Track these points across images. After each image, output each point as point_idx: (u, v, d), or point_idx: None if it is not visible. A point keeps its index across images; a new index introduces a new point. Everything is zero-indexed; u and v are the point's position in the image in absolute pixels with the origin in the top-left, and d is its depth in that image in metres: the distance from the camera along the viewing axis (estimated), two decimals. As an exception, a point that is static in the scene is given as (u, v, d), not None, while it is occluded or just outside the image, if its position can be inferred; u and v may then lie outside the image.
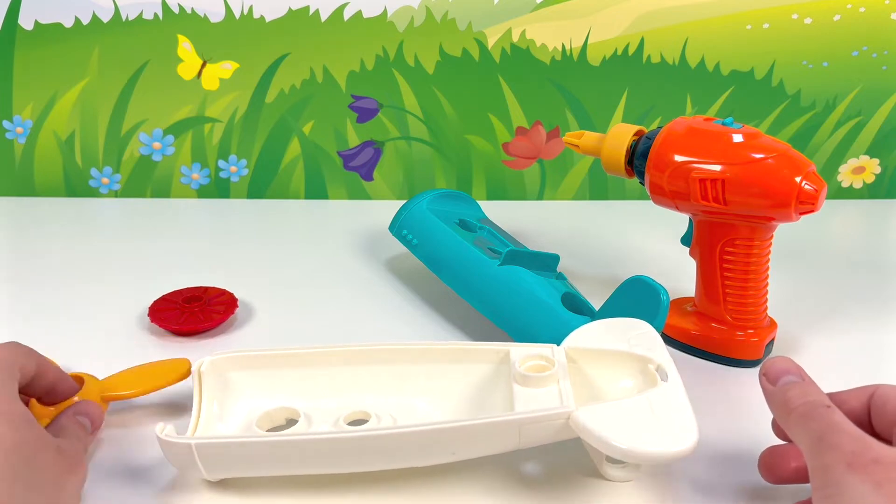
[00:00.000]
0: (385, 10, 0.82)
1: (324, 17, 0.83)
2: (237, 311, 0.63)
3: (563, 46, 0.84)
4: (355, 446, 0.42)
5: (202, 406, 0.47)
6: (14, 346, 0.44)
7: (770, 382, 0.40)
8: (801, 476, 0.41)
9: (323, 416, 0.48)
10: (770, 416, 0.51)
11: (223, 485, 0.44)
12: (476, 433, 0.42)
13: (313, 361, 0.50)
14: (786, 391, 0.38)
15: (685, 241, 0.58)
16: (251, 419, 0.48)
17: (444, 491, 0.44)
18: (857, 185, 0.91)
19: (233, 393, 0.49)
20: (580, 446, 0.42)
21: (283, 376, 0.50)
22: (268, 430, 0.47)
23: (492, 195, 0.90)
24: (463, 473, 0.45)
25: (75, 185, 0.89)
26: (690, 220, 0.57)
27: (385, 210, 0.79)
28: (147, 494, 0.43)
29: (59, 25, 0.83)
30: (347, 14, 0.83)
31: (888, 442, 0.36)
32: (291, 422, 0.48)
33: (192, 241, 0.80)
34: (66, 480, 0.39)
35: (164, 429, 0.42)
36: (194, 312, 0.61)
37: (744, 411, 0.50)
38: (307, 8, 0.82)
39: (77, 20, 0.83)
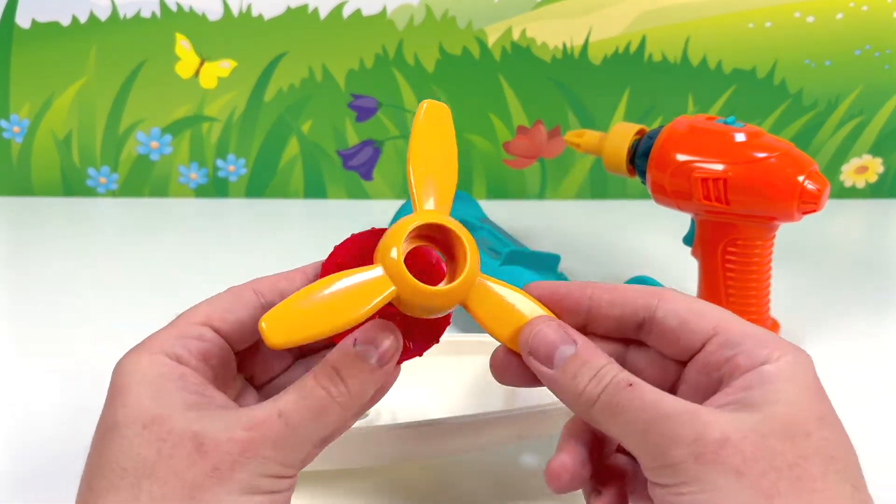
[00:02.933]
0: (384, 8, 0.82)
1: (322, 15, 0.82)
2: None
3: (564, 45, 0.83)
4: (357, 442, 0.42)
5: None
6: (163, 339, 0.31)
7: (544, 364, 0.31)
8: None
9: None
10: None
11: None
12: (477, 428, 0.42)
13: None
14: (573, 377, 0.30)
15: (687, 240, 0.58)
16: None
17: (442, 482, 0.44)
18: (860, 184, 0.90)
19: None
20: None
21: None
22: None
23: (492, 194, 0.90)
24: (461, 465, 0.45)
25: (72, 185, 0.89)
26: (692, 219, 0.56)
27: (385, 209, 0.78)
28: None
29: (56, 24, 0.82)
30: (346, 12, 0.82)
31: (681, 364, 0.32)
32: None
33: (190, 240, 0.79)
34: (202, 492, 0.27)
35: None
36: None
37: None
38: (306, 6, 0.82)
39: (74, 19, 0.82)
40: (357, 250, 0.33)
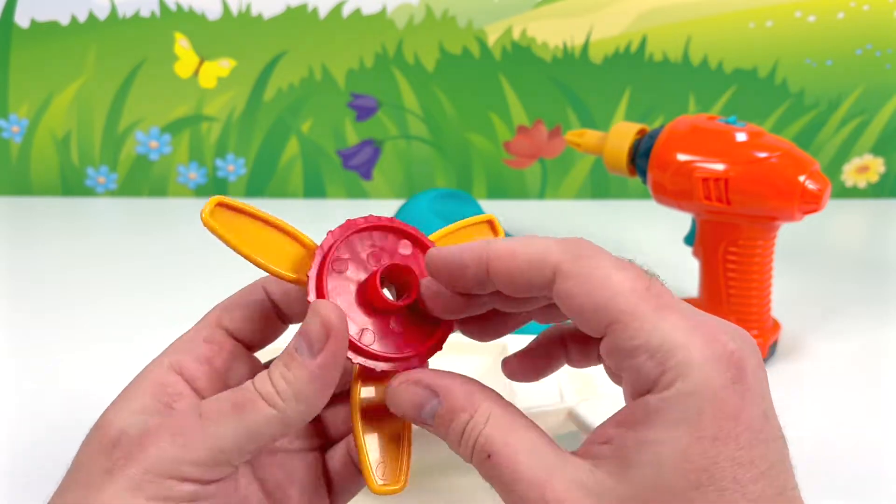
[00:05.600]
0: (384, 7, 0.82)
1: (322, 14, 0.82)
2: None
3: (565, 44, 0.83)
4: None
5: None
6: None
7: (417, 422, 0.29)
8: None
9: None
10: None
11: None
12: None
13: None
14: (445, 435, 0.28)
15: (688, 240, 0.57)
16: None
17: (442, 482, 0.44)
18: (861, 184, 0.90)
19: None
20: (576, 437, 0.42)
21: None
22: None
23: (492, 194, 0.90)
24: (461, 465, 0.45)
25: (71, 184, 0.88)
26: (693, 219, 0.56)
27: (384, 209, 0.77)
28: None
29: (55, 23, 0.82)
30: (346, 11, 0.82)
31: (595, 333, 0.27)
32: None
33: (190, 240, 0.79)
34: (103, 481, 0.26)
35: None
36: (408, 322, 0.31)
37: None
38: (305, 5, 0.82)
39: (73, 18, 0.82)
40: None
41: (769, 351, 0.56)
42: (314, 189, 0.89)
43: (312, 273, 0.29)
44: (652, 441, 0.24)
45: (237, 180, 0.88)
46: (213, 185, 0.88)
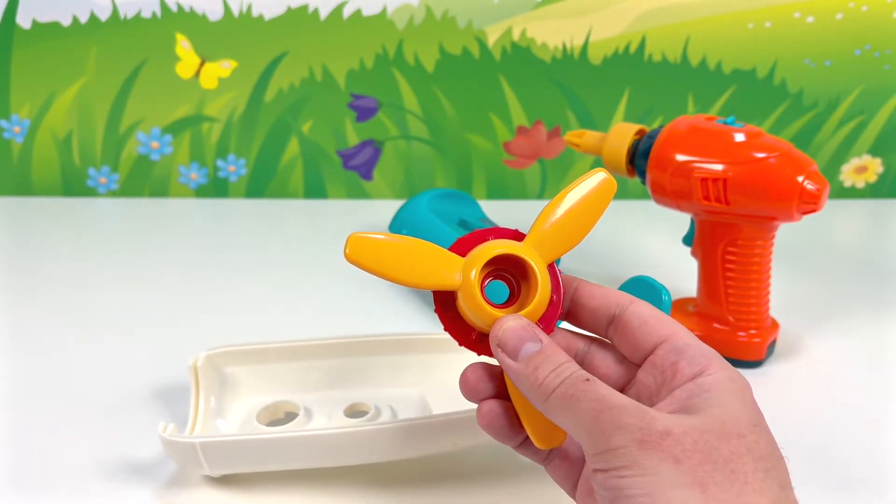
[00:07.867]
0: (385, 8, 0.82)
1: (323, 15, 0.82)
2: None
3: (564, 45, 0.83)
4: (357, 440, 0.42)
5: (200, 401, 0.47)
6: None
7: (510, 356, 0.34)
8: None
9: (322, 408, 0.48)
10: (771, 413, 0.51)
11: (224, 480, 0.44)
12: (476, 423, 0.42)
13: (310, 354, 0.50)
14: (535, 368, 0.33)
15: (687, 240, 0.58)
16: (250, 413, 0.48)
17: (443, 481, 0.44)
18: (860, 184, 0.90)
19: (230, 387, 0.49)
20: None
21: (281, 370, 0.50)
22: (267, 424, 0.47)
23: (492, 194, 0.90)
24: (462, 463, 0.45)
25: (73, 185, 0.89)
26: (692, 219, 0.56)
27: (384, 209, 0.78)
28: (148, 489, 0.43)
29: (56, 24, 0.82)
30: (347, 12, 0.82)
31: (636, 365, 0.36)
32: (291, 415, 0.48)
33: (191, 240, 0.79)
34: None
35: (167, 428, 0.42)
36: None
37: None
38: (306, 6, 0.82)
39: (75, 19, 0.82)
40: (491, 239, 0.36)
41: (768, 350, 0.56)
42: (314, 189, 0.90)
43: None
44: (714, 397, 0.31)
45: (238, 181, 0.89)
46: (214, 186, 0.89)
